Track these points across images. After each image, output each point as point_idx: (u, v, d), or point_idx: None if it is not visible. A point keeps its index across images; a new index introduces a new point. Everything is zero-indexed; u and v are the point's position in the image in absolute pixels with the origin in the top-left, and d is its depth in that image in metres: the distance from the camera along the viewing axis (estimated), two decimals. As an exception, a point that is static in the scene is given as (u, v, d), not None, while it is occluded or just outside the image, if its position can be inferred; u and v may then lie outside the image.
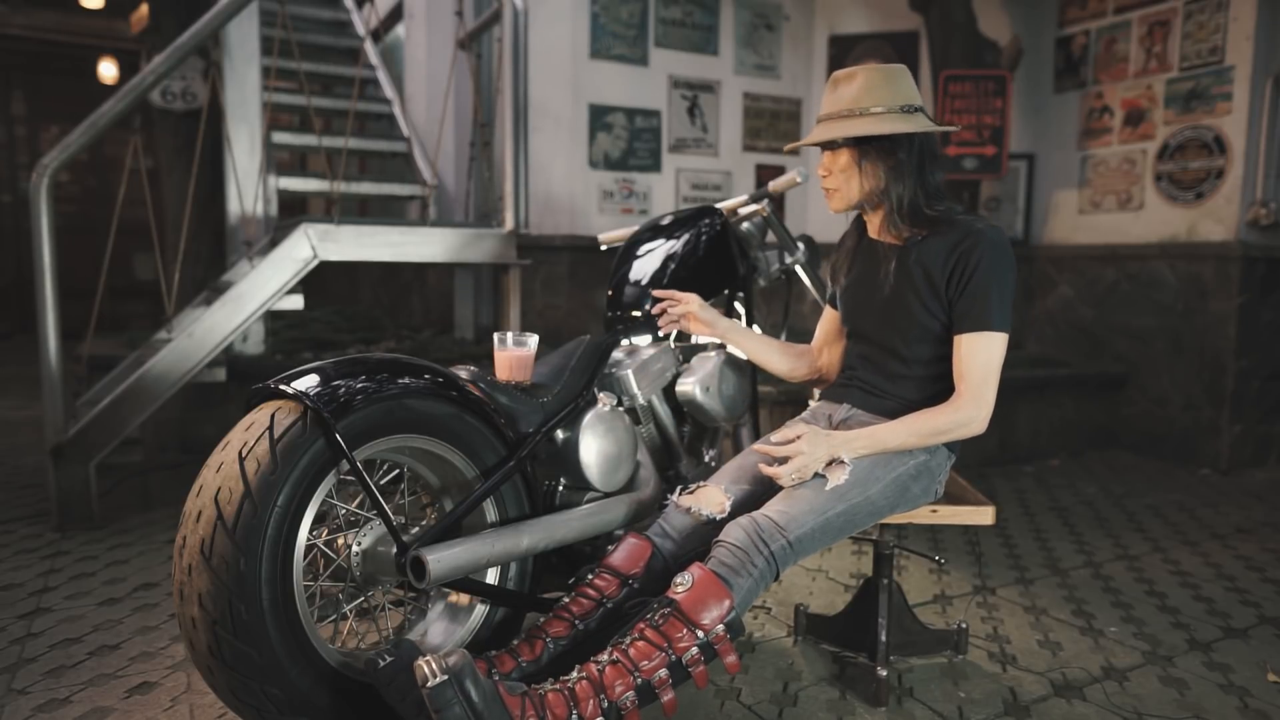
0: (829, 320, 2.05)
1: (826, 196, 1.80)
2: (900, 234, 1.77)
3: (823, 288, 2.25)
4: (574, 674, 1.46)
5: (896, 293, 1.76)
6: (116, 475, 3.40)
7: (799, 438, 1.67)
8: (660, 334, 2.24)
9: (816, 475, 1.68)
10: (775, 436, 1.73)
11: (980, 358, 1.67)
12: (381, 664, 1.44)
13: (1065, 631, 2.26)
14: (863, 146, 1.71)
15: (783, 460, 1.68)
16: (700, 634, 1.48)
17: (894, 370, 1.80)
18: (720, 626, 1.49)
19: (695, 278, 2.29)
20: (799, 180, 2.26)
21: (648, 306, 2.24)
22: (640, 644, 1.47)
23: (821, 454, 1.66)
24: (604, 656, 1.47)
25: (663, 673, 1.46)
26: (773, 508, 1.64)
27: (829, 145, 1.74)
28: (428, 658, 1.36)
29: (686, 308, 2.04)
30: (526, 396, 1.85)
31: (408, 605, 1.83)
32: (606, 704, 1.42)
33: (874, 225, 1.85)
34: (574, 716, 1.40)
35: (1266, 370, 4.15)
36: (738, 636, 1.53)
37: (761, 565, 1.55)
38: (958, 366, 1.70)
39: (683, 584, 1.51)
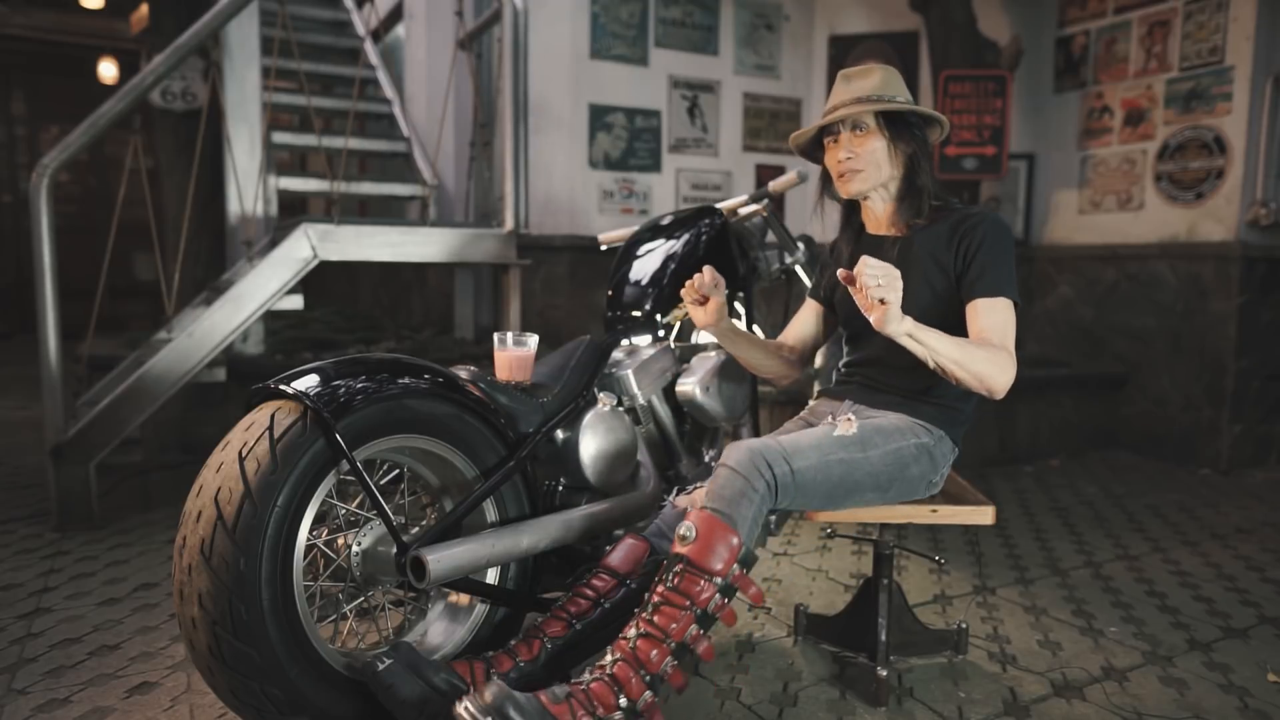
0: (811, 315, 2.04)
1: (845, 179, 1.77)
2: (905, 224, 1.80)
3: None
4: (608, 658, 1.48)
5: (914, 284, 1.76)
6: (116, 475, 3.40)
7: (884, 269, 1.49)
8: (660, 334, 2.24)
9: (825, 425, 1.70)
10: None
11: (999, 318, 1.66)
12: (380, 667, 1.44)
13: (1065, 631, 2.26)
14: (895, 131, 1.75)
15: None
16: (718, 579, 1.50)
17: (901, 363, 1.79)
18: (735, 566, 1.51)
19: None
20: (799, 180, 2.26)
21: (648, 307, 2.24)
22: (664, 609, 1.49)
23: (896, 289, 1.47)
24: (632, 632, 1.49)
25: (693, 629, 1.49)
26: (775, 436, 1.65)
27: (858, 125, 1.75)
28: (465, 704, 1.36)
29: (717, 294, 1.86)
30: (526, 396, 1.85)
31: (408, 605, 1.83)
32: (649, 677, 1.45)
33: (876, 218, 1.86)
34: (622, 700, 1.43)
35: (1266, 370, 4.15)
36: (753, 566, 1.55)
37: (762, 489, 1.55)
38: (978, 328, 1.66)
39: (687, 535, 1.52)
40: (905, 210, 1.80)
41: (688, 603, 1.49)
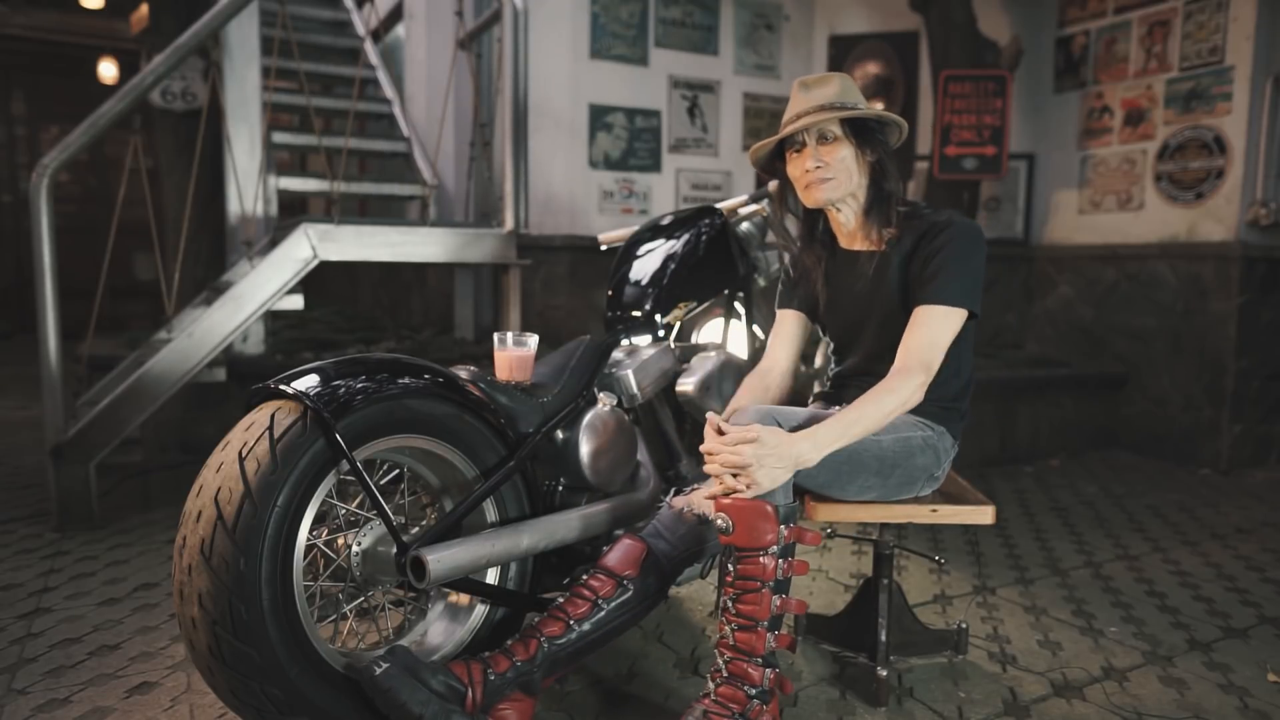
0: (795, 327, 1.98)
1: (815, 188, 1.75)
2: (878, 236, 1.79)
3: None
4: (719, 661, 1.58)
5: (887, 296, 1.78)
6: (116, 475, 3.40)
7: (754, 440, 1.52)
8: (660, 334, 2.24)
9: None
10: (731, 431, 1.56)
11: (927, 332, 1.67)
12: (377, 671, 1.44)
13: (1065, 631, 2.26)
14: (860, 137, 1.74)
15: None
16: (772, 549, 1.55)
17: (888, 370, 1.79)
18: (781, 529, 1.55)
19: (695, 278, 2.29)
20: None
21: (648, 307, 2.24)
22: (743, 598, 1.56)
23: (773, 465, 1.52)
24: (727, 629, 1.57)
25: (775, 600, 1.56)
26: None
27: (824, 133, 1.73)
28: None
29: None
30: (526, 396, 1.85)
31: (408, 605, 1.83)
32: (760, 659, 1.56)
33: (848, 232, 1.85)
34: (749, 689, 1.54)
35: (1266, 370, 4.15)
36: (797, 516, 1.59)
37: None
38: (905, 339, 1.68)
39: (726, 528, 1.55)
40: (875, 218, 1.78)
41: (758, 584, 1.55)
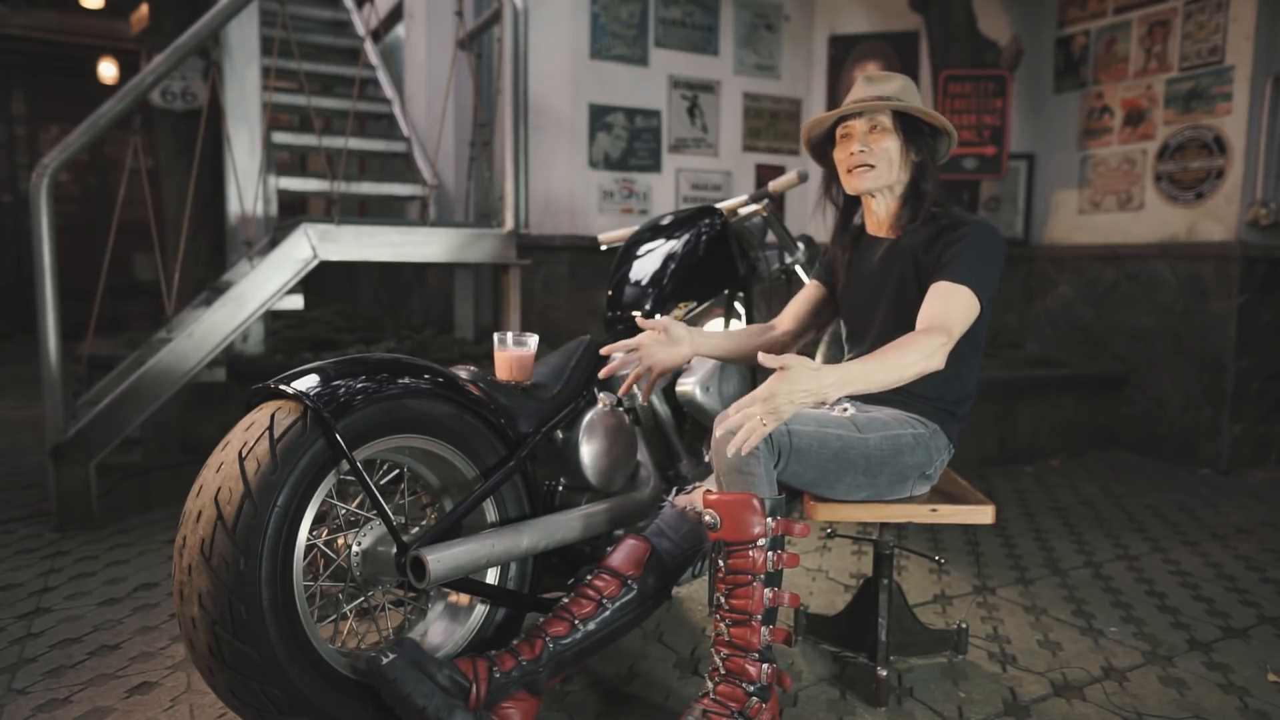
0: (814, 295, 2.05)
1: (857, 174, 1.80)
2: (901, 227, 1.85)
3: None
4: (716, 659, 1.57)
5: (899, 278, 1.82)
6: (116, 475, 3.40)
7: (782, 370, 1.50)
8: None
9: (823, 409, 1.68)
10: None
11: (949, 304, 1.66)
12: (384, 661, 1.45)
13: (1065, 631, 2.26)
14: (909, 135, 1.79)
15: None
16: (761, 541, 1.54)
17: None
18: (769, 521, 1.55)
19: (695, 278, 2.29)
20: (799, 180, 2.26)
21: (648, 307, 2.24)
22: (735, 592, 1.55)
23: (796, 391, 1.47)
24: (722, 626, 1.57)
25: (767, 594, 1.56)
26: None
27: (875, 123, 1.78)
28: None
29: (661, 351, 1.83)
30: (526, 396, 1.85)
31: (408, 605, 1.83)
32: (757, 654, 1.55)
33: (877, 220, 1.91)
34: (747, 686, 1.54)
35: (1266, 370, 4.15)
36: (783, 509, 1.59)
37: (762, 445, 1.56)
38: (926, 312, 1.67)
39: (714, 523, 1.56)
40: (906, 214, 1.84)
41: (749, 577, 1.54)
